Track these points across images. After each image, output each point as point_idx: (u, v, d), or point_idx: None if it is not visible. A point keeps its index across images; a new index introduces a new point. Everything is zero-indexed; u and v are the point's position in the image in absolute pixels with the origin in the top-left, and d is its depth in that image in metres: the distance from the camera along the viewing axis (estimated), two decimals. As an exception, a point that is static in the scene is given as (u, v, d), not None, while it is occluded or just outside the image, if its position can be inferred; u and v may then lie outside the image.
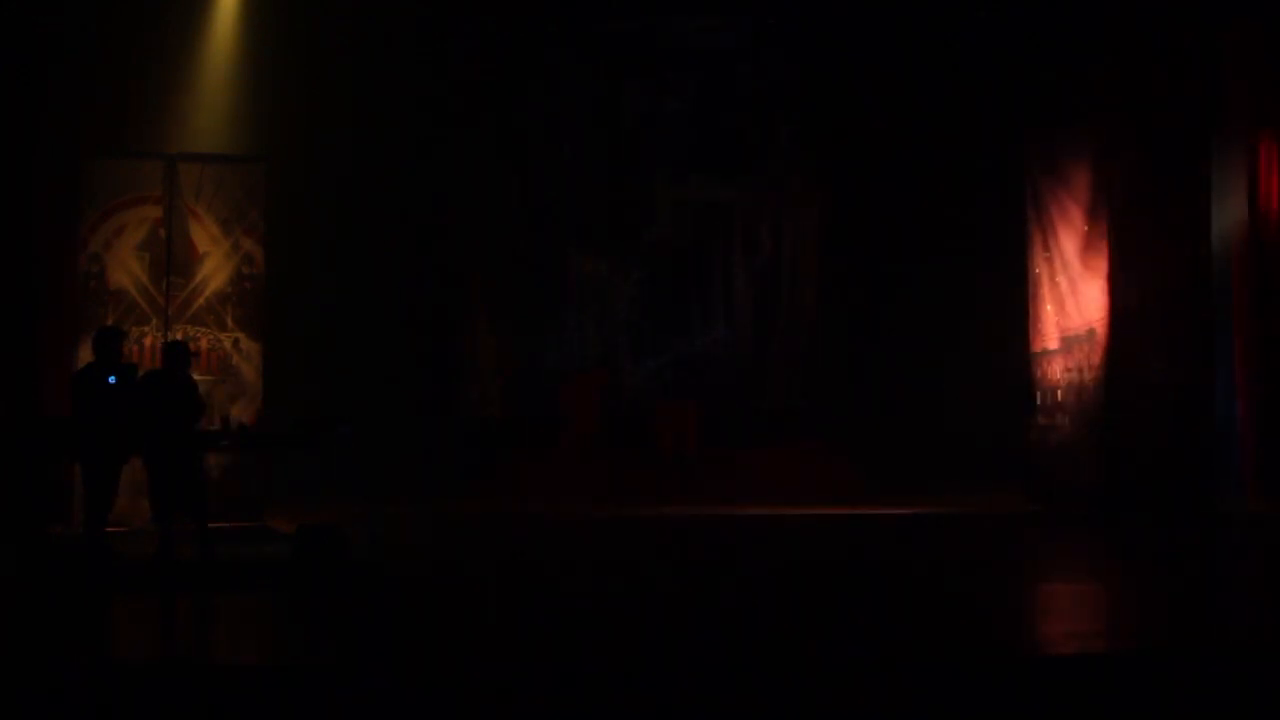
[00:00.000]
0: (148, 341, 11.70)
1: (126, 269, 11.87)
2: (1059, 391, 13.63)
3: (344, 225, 16.37)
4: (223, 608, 8.07)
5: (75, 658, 6.33)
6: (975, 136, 16.50)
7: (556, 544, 11.66)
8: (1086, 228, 13.09)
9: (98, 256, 11.81)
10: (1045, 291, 13.96)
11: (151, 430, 8.96)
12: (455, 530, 12.70)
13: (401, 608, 7.77)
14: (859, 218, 17.82)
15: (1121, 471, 12.45)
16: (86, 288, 11.78)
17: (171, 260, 11.92)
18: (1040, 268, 14.10)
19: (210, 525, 9.09)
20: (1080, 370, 13.16)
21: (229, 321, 12.04)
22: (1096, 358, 12.81)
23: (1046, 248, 13.95)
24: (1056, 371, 13.70)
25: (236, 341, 12.03)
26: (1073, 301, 13.34)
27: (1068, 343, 13.46)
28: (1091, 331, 12.92)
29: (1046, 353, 13.94)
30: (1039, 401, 14.08)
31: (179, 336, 11.28)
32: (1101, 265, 12.75)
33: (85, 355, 10.35)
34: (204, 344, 11.85)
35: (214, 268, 12.06)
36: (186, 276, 11.98)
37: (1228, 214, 13.62)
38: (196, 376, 10.02)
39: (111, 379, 8.87)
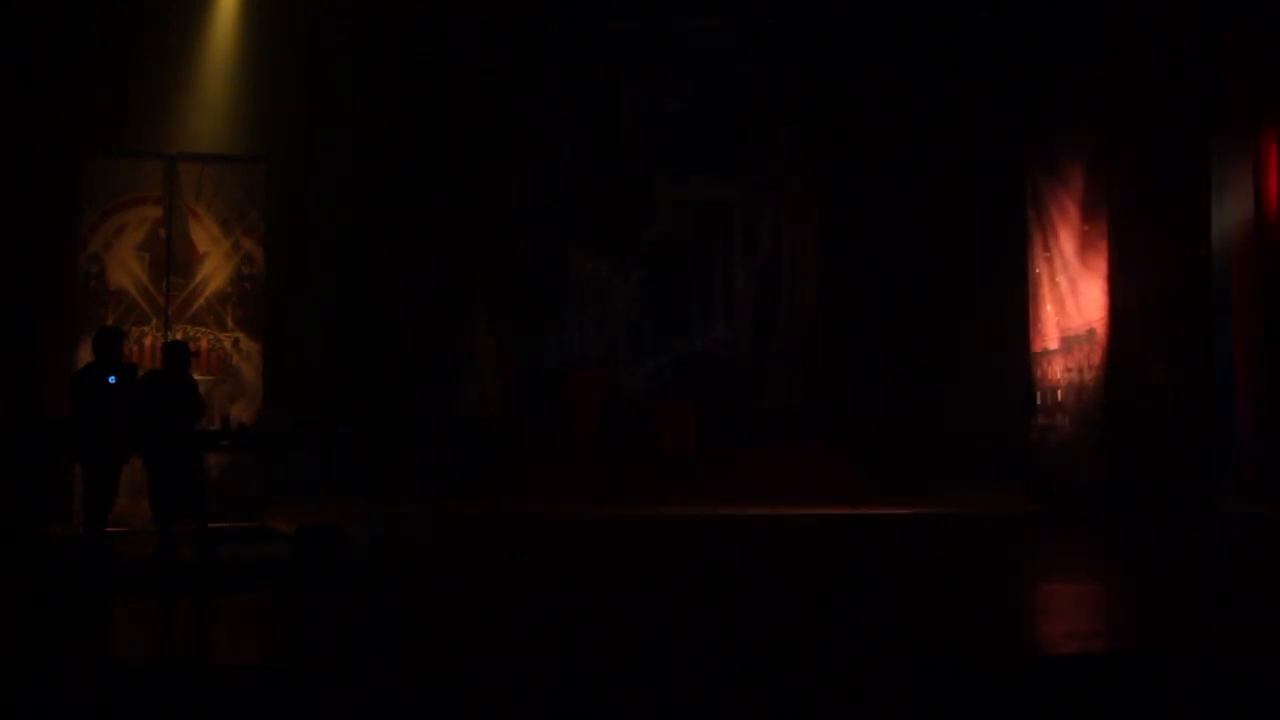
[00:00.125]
0: (148, 341, 11.70)
1: (126, 269, 11.86)
2: (1059, 391, 13.63)
3: (344, 225, 16.37)
4: (223, 608, 8.07)
5: (75, 658, 6.32)
6: (975, 136, 16.51)
7: (556, 544, 11.66)
8: (1086, 228, 13.08)
9: (98, 256, 11.81)
10: (1045, 291, 13.96)
11: (151, 430, 8.97)
12: (455, 530, 12.70)
13: (401, 608, 7.76)
14: (859, 218, 17.83)
15: (1121, 471, 12.45)
16: (86, 288, 11.78)
17: (171, 260, 11.92)
18: (1040, 268, 14.11)
19: (210, 525, 9.11)
20: (1080, 370, 13.15)
21: (229, 321, 12.03)
22: (1096, 358, 12.81)
23: (1046, 248, 13.95)
24: (1056, 371, 13.70)
25: (236, 341, 12.03)
26: (1073, 301, 13.34)
27: (1068, 343, 13.46)
28: (1091, 331, 12.92)
29: (1046, 353, 13.94)
30: (1039, 401, 14.08)
31: (179, 336, 11.28)
32: (1101, 265, 12.75)
33: (85, 355, 10.35)
34: (204, 344, 11.84)
35: (214, 268, 12.06)
36: (186, 276, 11.98)
37: (1228, 214, 13.61)
38: (196, 376, 10.04)
39: (111, 379, 8.88)
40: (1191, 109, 12.52)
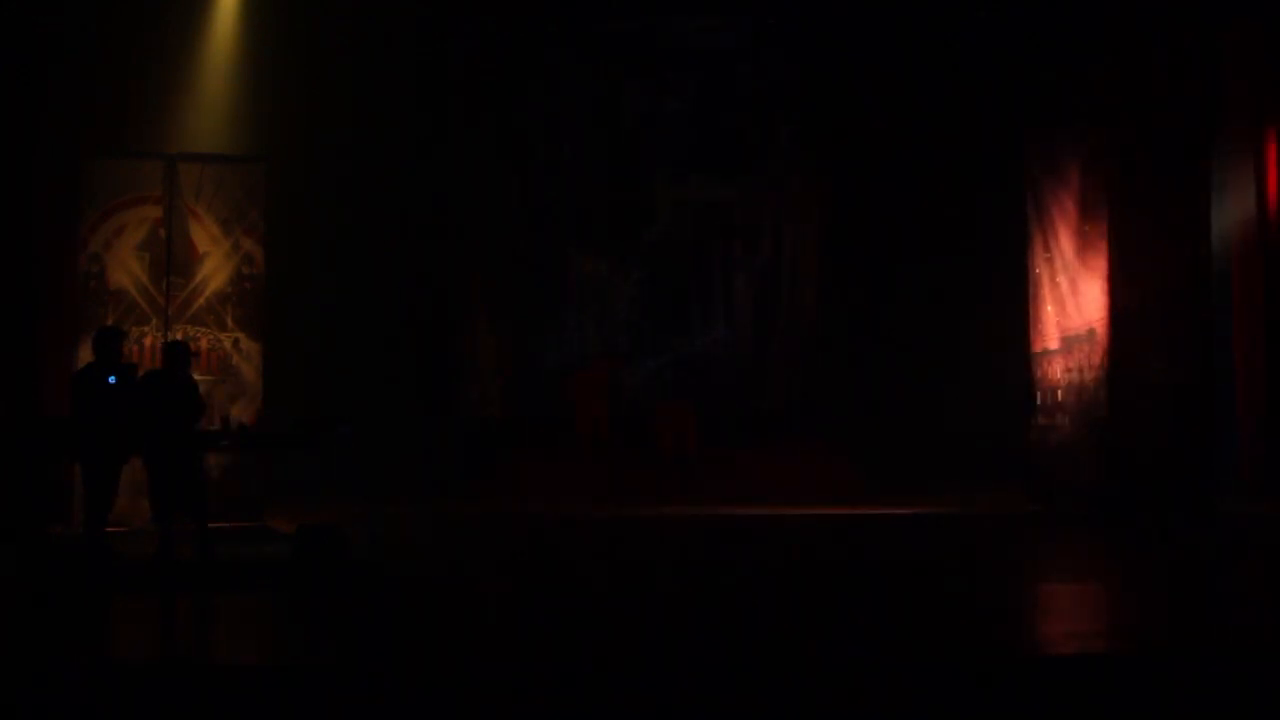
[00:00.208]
0: (148, 341, 11.69)
1: (126, 269, 11.86)
2: (1059, 391, 13.63)
3: (344, 225, 16.37)
4: (223, 608, 8.07)
5: (75, 658, 6.32)
6: (975, 136, 16.51)
7: (556, 544, 11.66)
8: (1086, 228, 13.08)
9: (98, 256, 11.81)
10: (1045, 291, 13.96)
11: (151, 430, 8.97)
12: (455, 530, 12.70)
13: (401, 608, 7.76)
14: (859, 218, 17.83)
15: (1121, 471, 12.45)
16: (86, 288, 11.78)
17: (171, 260, 11.92)
18: (1040, 268, 14.11)
19: (210, 525, 9.10)
20: (1080, 370, 13.15)
21: (229, 321, 12.03)
22: (1096, 358, 12.81)
23: (1046, 248, 13.95)
24: (1056, 371, 13.70)
25: (236, 341, 12.03)
26: (1073, 301, 13.33)
27: (1068, 343, 13.46)
28: (1091, 331, 12.92)
29: (1046, 353, 13.94)
30: (1039, 401, 14.08)
31: (179, 336, 11.28)
32: (1101, 265, 12.74)
33: (85, 355, 10.35)
34: (204, 344, 11.84)
35: (214, 268, 12.06)
36: (186, 276, 11.98)
37: (1228, 214, 13.62)
38: (196, 376, 10.03)
39: (111, 379, 8.88)
40: (1191, 109, 12.52)
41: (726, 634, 6.80)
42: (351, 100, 16.40)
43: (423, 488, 15.48)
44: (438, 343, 17.83)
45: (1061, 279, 13.59)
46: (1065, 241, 13.51)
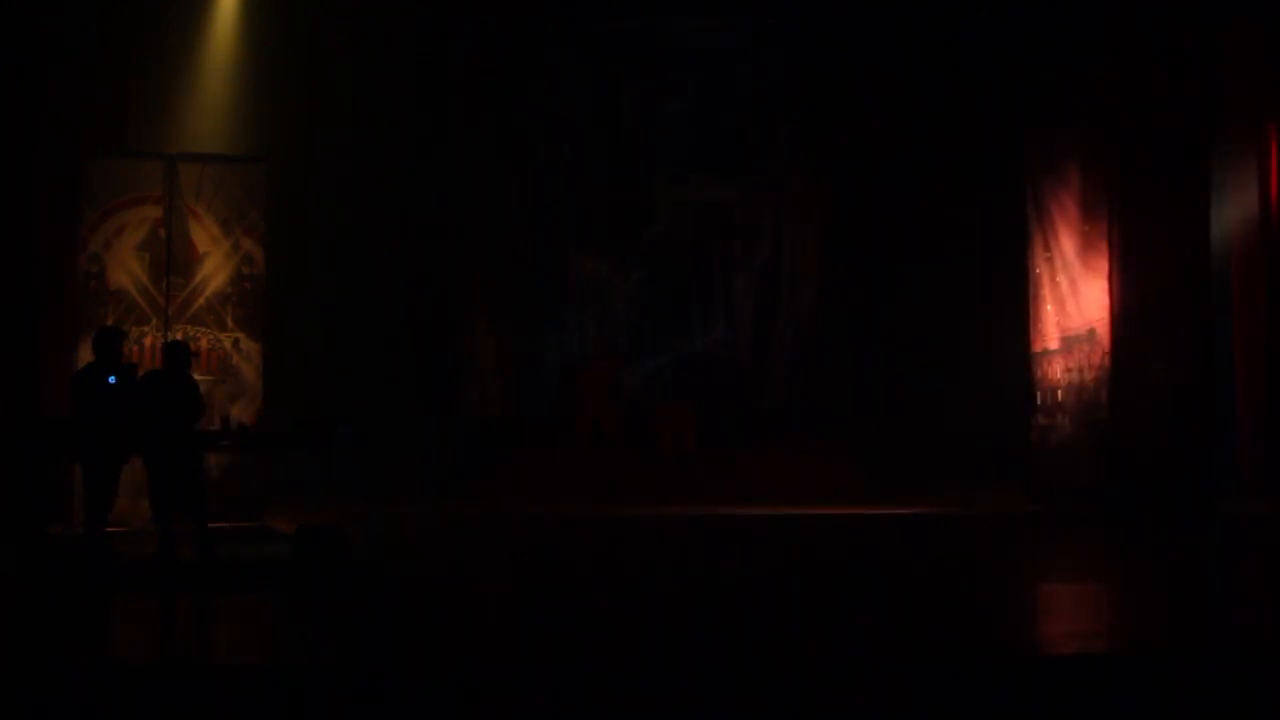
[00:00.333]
0: (148, 341, 11.69)
1: (126, 269, 11.86)
2: (1059, 391, 13.63)
3: (344, 225, 16.38)
4: (223, 608, 8.06)
5: (75, 658, 6.32)
6: (975, 136, 16.51)
7: (556, 544, 11.66)
8: (1086, 228, 13.08)
9: (98, 256, 11.81)
10: (1045, 291, 13.96)
11: (151, 430, 8.97)
12: (455, 530, 12.70)
13: (401, 608, 7.76)
14: (859, 218, 17.83)
15: (1121, 471, 12.45)
16: (86, 288, 11.77)
17: (171, 260, 11.92)
18: (1040, 268, 14.10)
19: (210, 525, 9.11)
20: (1080, 370, 13.15)
21: (229, 321, 12.03)
22: (1096, 358, 12.81)
23: (1047, 248, 13.95)
24: (1056, 371, 13.70)
25: (236, 341, 12.03)
26: (1073, 301, 13.34)
27: (1068, 343, 13.46)
28: (1091, 331, 12.92)
29: (1046, 353, 13.94)
30: (1039, 401, 14.08)
31: (179, 336, 11.28)
32: (1101, 265, 12.75)
33: (85, 355, 10.35)
34: (204, 344, 11.84)
35: (214, 268, 12.06)
36: (186, 276, 11.98)
37: (1228, 214, 13.63)
38: (196, 376, 10.03)
39: (111, 379, 8.88)
40: (1191, 109, 12.52)
41: (726, 634, 6.80)
42: (351, 100, 16.40)
43: (423, 488, 15.48)
44: (438, 343, 17.84)
45: (1061, 279, 13.59)
46: (1065, 241, 13.51)
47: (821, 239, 18.24)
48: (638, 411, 17.02)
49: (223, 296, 12.04)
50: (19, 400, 11.75)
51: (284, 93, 15.04)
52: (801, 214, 18.34)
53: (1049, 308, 13.90)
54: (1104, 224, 12.76)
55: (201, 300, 11.98)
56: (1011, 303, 14.63)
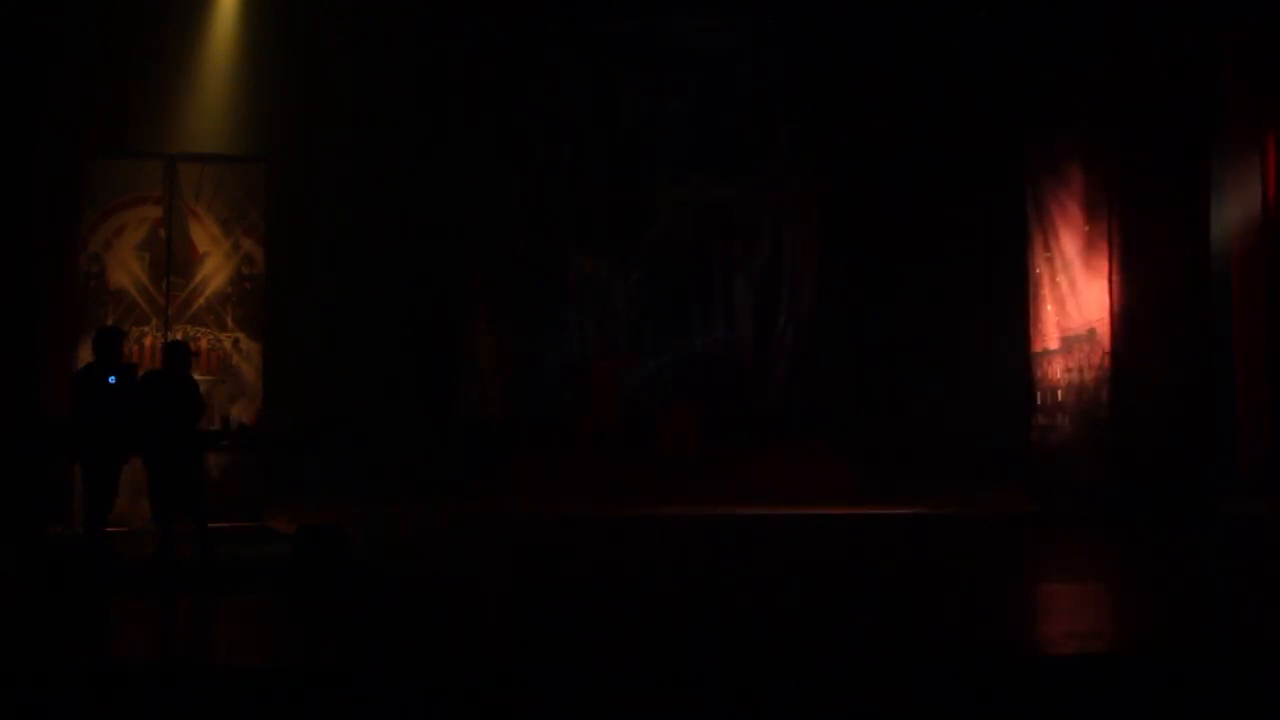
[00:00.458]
0: (148, 341, 11.69)
1: (126, 269, 11.86)
2: (1059, 391, 13.63)
3: (344, 225, 16.39)
4: (223, 608, 8.06)
5: (75, 658, 6.32)
6: (975, 136, 16.52)
7: (556, 544, 11.66)
8: (1087, 228, 13.08)
9: (98, 256, 11.81)
10: (1045, 291, 13.96)
11: (151, 430, 8.97)
12: (455, 530, 12.70)
13: (401, 608, 7.76)
14: (859, 218, 17.84)
15: (1121, 471, 12.44)
16: (86, 288, 11.78)
17: (171, 260, 11.92)
18: (1040, 268, 14.10)
19: (210, 525, 9.10)
20: (1080, 370, 13.15)
21: (229, 321, 12.03)
22: (1096, 358, 12.81)
23: (1047, 248, 13.94)
24: (1056, 371, 13.70)
25: (236, 341, 12.03)
26: (1073, 301, 13.33)
27: (1068, 343, 13.46)
28: (1092, 331, 12.92)
29: (1046, 353, 13.93)
30: (1039, 401, 14.07)
31: (179, 336, 11.28)
32: (1102, 265, 12.74)
33: (85, 355, 10.35)
34: (204, 344, 11.84)
35: (214, 268, 12.06)
36: (186, 276, 11.98)
37: (1228, 214, 13.63)
38: (196, 376, 10.02)
39: (111, 379, 8.87)
40: (1191, 109, 12.52)
41: (726, 634, 6.80)
42: (351, 100, 16.41)
43: (423, 488, 15.49)
44: (438, 343, 17.84)
45: (1061, 279, 13.59)
46: (1065, 241, 13.51)
47: (821, 239, 18.24)
48: (638, 411, 17.02)
49: (223, 296, 12.04)
50: (19, 400, 11.75)
51: (284, 93, 15.05)
52: (801, 214, 18.34)
53: (1049, 308, 13.90)
54: (1104, 224, 12.76)
55: (201, 300, 11.98)
56: (1011, 303, 14.62)
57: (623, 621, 7.28)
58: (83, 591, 8.41)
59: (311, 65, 15.53)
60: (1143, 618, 7.46)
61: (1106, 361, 12.60)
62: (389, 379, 16.70)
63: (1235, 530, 11.59)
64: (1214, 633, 6.86)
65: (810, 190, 18.32)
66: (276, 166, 12.72)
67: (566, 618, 7.38)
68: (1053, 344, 13.81)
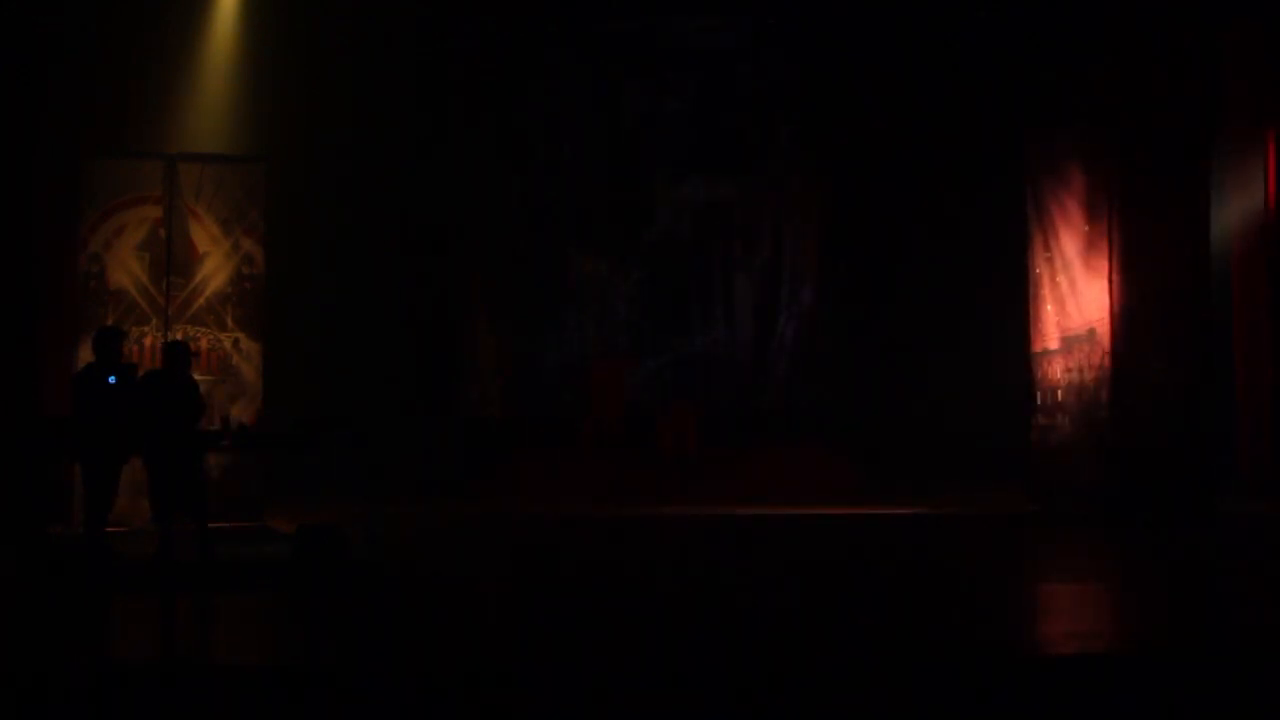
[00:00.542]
0: (148, 341, 11.70)
1: (126, 269, 11.86)
2: (1059, 391, 13.63)
3: (344, 225, 16.38)
4: (223, 608, 8.07)
5: (75, 658, 6.32)
6: (975, 136, 16.52)
7: (556, 544, 11.66)
8: (1087, 228, 13.08)
9: (98, 256, 11.81)
10: (1045, 291, 13.96)
11: (151, 430, 8.97)
12: (455, 530, 12.70)
13: (401, 608, 7.77)
14: (859, 218, 17.84)
15: (1121, 471, 12.45)
16: (86, 288, 11.78)
17: (171, 260, 11.92)
18: (1040, 268, 14.11)
19: (210, 525, 9.10)
20: (1080, 370, 13.15)
21: (229, 321, 12.03)
22: (1096, 358, 12.81)
23: (1047, 248, 13.95)
24: (1056, 371, 13.70)
25: (236, 341, 12.03)
26: (1073, 301, 13.34)
27: (1068, 343, 13.46)
28: (1092, 331, 12.92)
29: (1046, 353, 13.94)
30: (1039, 401, 14.08)
31: (179, 336, 11.28)
32: (1102, 265, 12.75)
33: (85, 355, 10.35)
34: (204, 344, 11.84)
35: (214, 268, 12.06)
36: (186, 276, 11.98)
37: (1228, 214, 13.62)
38: (196, 376, 10.03)
39: (111, 379, 8.87)
40: (1191, 109, 12.52)
41: (726, 634, 6.80)
42: (351, 100, 16.41)
43: (423, 488, 15.48)
44: (438, 343, 17.83)
45: (1061, 279, 13.59)
46: (1065, 241, 13.51)
47: (821, 239, 18.24)
48: (638, 411, 17.01)
49: (223, 296, 12.04)
50: (19, 400, 11.75)
51: (284, 93, 15.05)
52: (801, 214, 18.35)
53: (1049, 308, 13.90)
54: (1104, 224, 12.76)
55: (201, 300, 11.98)
56: (1011, 303, 14.63)
57: (622, 621, 7.29)
58: (83, 591, 8.41)
59: (311, 65, 15.53)
60: (1143, 618, 7.46)
61: (1106, 361, 12.61)
62: (389, 379, 16.70)
63: (1235, 530, 11.59)
64: (1214, 633, 6.86)
65: (810, 190, 18.32)
66: (276, 166, 12.72)
67: (566, 618, 7.38)
68: (1053, 344, 13.81)
